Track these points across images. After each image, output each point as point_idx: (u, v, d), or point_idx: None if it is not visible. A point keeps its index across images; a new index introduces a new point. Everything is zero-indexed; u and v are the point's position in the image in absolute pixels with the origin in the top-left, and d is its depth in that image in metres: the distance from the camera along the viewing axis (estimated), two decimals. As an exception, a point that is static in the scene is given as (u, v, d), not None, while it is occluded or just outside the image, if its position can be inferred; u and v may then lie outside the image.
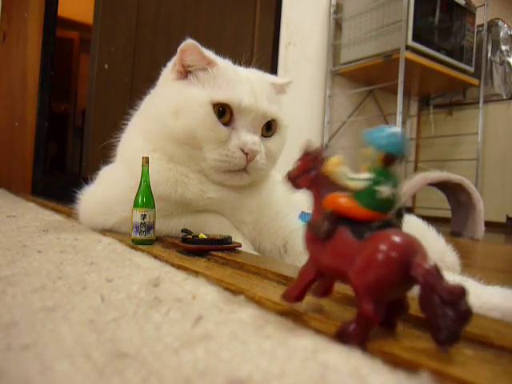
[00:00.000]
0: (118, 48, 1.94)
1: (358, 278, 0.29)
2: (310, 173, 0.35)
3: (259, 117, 0.75)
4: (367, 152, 0.31)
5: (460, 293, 0.27)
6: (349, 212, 0.31)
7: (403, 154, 0.30)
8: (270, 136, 0.79)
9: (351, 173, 0.33)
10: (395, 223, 0.32)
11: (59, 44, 2.01)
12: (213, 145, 0.73)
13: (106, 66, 1.91)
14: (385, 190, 0.30)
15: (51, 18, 1.85)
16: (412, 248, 0.29)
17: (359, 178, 0.31)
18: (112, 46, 1.92)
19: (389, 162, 0.31)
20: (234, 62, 0.83)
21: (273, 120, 0.78)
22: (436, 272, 0.28)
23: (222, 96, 0.72)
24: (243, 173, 0.74)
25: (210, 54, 0.77)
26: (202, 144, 0.73)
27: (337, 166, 0.33)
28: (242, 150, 0.72)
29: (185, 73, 0.76)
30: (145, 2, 2.01)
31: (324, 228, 0.32)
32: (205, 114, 0.71)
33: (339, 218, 0.32)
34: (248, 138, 0.73)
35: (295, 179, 0.36)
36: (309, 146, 0.36)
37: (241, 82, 0.75)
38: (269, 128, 0.79)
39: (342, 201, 0.32)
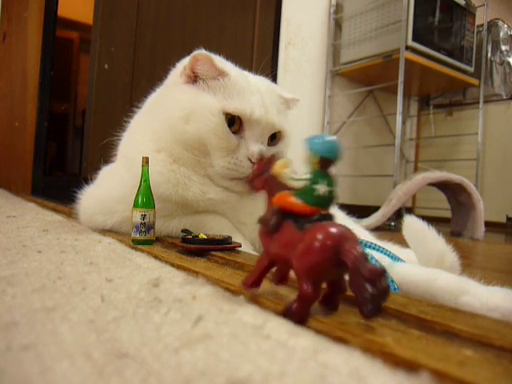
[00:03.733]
0: (118, 48, 1.94)
1: (298, 263, 0.34)
2: (263, 175, 0.41)
3: (268, 128, 0.76)
4: (307, 156, 0.35)
5: (379, 273, 0.31)
6: (292, 208, 0.36)
7: (337, 159, 0.35)
8: (275, 145, 0.80)
9: (294, 174, 0.37)
10: (330, 217, 0.37)
11: (59, 44, 2.01)
12: (222, 153, 0.74)
13: (106, 66, 1.91)
14: (321, 189, 0.35)
15: (51, 18, 1.85)
16: (344, 237, 0.33)
17: (300, 179, 0.36)
18: (112, 46, 1.92)
19: (324, 165, 0.35)
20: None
21: (278, 131, 0.80)
22: (362, 257, 0.32)
23: (233, 107, 0.73)
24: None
25: (222, 63, 0.77)
26: (210, 151, 0.74)
27: (282, 168, 0.38)
28: (250, 160, 0.73)
29: (194, 77, 0.77)
30: (145, 2, 2.01)
31: (272, 222, 0.37)
32: (216, 123, 0.72)
33: (285, 214, 0.37)
34: (256, 148, 0.74)
35: (252, 181, 0.42)
36: (262, 153, 0.43)
37: (252, 93, 0.75)
38: (273, 137, 0.80)
39: (287, 199, 0.37)
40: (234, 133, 0.74)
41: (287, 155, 0.84)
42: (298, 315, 0.34)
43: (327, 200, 0.36)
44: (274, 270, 0.41)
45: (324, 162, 0.35)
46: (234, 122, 0.74)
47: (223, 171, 0.74)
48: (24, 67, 1.84)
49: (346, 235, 0.33)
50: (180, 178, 0.75)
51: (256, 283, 0.41)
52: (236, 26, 2.33)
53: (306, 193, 0.36)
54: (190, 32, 2.15)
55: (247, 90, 0.75)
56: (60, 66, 2.57)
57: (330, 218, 0.36)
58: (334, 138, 0.35)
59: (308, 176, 0.36)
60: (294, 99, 0.85)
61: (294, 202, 0.36)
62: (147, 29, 2.02)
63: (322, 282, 0.35)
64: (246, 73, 0.82)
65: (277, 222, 0.37)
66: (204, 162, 0.75)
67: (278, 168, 0.39)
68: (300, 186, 0.36)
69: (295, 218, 0.36)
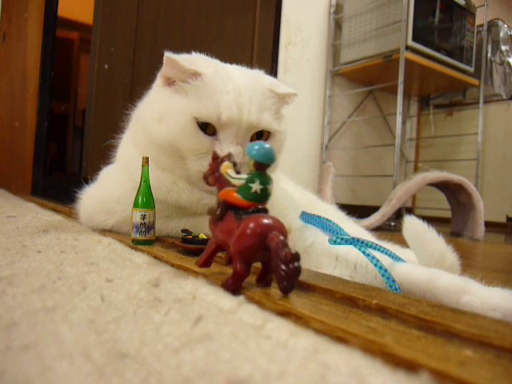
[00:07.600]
0: (117, 48, 1.94)
1: (233, 246, 0.41)
2: (215, 173, 0.48)
3: (244, 128, 0.71)
4: (247, 160, 0.43)
5: (292, 257, 0.37)
6: (233, 201, 0.44)
7: (269, 163, 0.43)
8: None
9: (235, 174, 0.45)
10: (265, 210, 0.44)
11: (59, 44, 2.01)
12: (195, 156, 0.71)
13: (106, 66, 1.91)
14: (255, 187, 0.42)
15: (51, 18, 1.85)
16: (271, 226, 0.40)
17: (239, 178, 0.44)
18: (112, 46, 1.92)
19: (259, 167, 0.43)
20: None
21: (263, 129, 0.74)
22: (282, 244, 0.38)
23: (200, 112, 0.70)
24: None
25: (192, 64, 0.72)
26: (184, 154, 0.72)
27: (226, 169, 0.46)
28: None
29: (170, 80, 0.74)
30: (145, 2, 2.01)
31: (218, 212, 0.45)
32: (186, 125, 0.70)
33: (229, 206, 0.44)
34: (231, 149, 0.69)
35: (207, 178, 0.49)
36: (216, 154, 0.49)
37: (226, 93, 0.70)
38: (260, 135, 0.75)
39: (230, 193, 0.44)
40: (211, 135, 0.71)
41: (280, 154, 0.80)
42: (232, 288, 0.41)
43: (261, 196, 0.43)
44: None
45: (258, 165, 0.43)
46: (207, 126, 0.71)
47: (198, 174, 0.71)
48: (24, 67, 1.84)
49: (273, 225, 0.40)
50: (169, 185, 0.75)
51: (206, 263, 0.49)
52: (236, 26, 2.33)
53: (243, 189, 0.43)
54: (190, 32, 2.15)
55: (219, 90, 0.71)
56: (60, 66, 2.57)
57: (264, 211, 0.43)
58: (267, 145, 0.43)
59: (246, 176, 0.43)
60: (290, 94, 0.79)
61: (235, 196, 0.43)
62: (147, 29, 2.02)
63: (252, 263, 0.42)
64: (228, 67, 0.78)
65: (221, 212, 0.45)
66: (181, 166, 0.73)
67: (223, 169, 0.46)
68: (239, 184, 0.44)
69: (236, 210, 0.43)
